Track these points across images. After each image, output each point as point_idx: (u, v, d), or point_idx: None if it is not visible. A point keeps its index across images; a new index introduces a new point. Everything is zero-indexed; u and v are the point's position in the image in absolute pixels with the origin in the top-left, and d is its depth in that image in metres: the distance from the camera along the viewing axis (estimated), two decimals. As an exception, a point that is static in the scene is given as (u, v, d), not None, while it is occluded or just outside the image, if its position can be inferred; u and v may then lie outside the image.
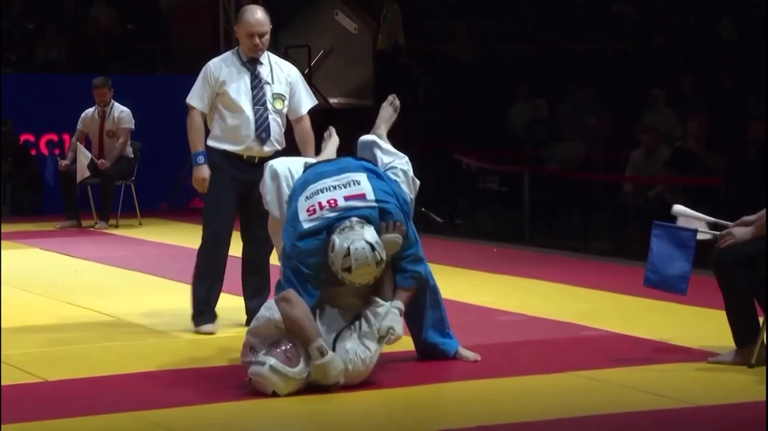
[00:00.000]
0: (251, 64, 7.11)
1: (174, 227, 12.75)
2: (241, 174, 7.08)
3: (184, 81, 16.07)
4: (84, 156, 12.51)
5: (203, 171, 7.09)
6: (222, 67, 7.09)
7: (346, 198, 5.88)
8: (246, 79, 7.07)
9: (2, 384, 5.80)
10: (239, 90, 7.05)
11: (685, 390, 5.78)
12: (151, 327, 7.42)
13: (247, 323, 7.10)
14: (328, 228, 5.80)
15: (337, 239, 5.70)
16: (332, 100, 18.23)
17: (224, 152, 7.08)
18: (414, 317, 6.22)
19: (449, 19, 17.97)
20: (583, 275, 9.38)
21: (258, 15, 7.13)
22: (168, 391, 5.83)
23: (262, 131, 7.06)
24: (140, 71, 15.52)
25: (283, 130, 7.18)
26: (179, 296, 8.54)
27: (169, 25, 17.01)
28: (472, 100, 16.16)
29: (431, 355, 6.27)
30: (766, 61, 12.53)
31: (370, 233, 5.72)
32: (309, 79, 18.12)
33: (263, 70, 7.12)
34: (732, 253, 6.09)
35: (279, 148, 7.13)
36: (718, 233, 6.22)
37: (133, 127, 12.75)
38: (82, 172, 12.44)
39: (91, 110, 12.80)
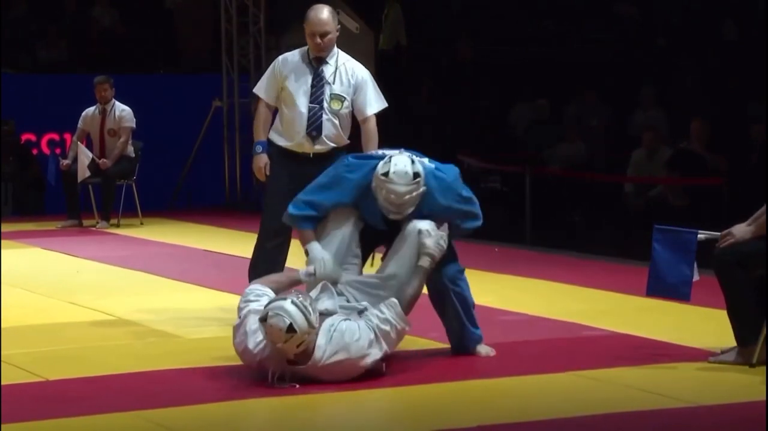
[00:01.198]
0: (316, 62, 7.16)
1: (176, 227, 12.76)
2: (297, 167, 7.11)
3: (185, 81, 16.17)
4: (85, 156, 12.51)
5: (261, 160, 7.20)
6: (288, 63, 7.17)
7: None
8: (308, 76, 7.13)
9: (3, 383, 5.80)
10: (299, 87, 7.11)
11: (686, 389, 5.78)
12: (152, 326, 7.42)
13: None
14: (382, 157, 6.19)
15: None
16: (334, 100, 18.23)
17: (280, 149, 7.17)
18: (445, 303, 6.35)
19: (451, 20, 17.97)
20: (584, 275, 9.38)
21: (321, 14, 7.14)
22: (170, 391, 5.83)
23: (314, 129, 7.11)
24: (141, 71, 15.52)
25: (344, 129, 7.21)
26: (181, 296, 8.56)
27: (171, 25, 17.01)
28: (474, 101, 16.16)
29: (458, 340, 6.38)
30: (767, 62, 12.52)
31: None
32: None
33: (327, 70, 7.17)
34: (732, 252, 6.09)
35: (333, 145, 7.13)
36: (718, 233, 6.21)
37: (134, 126, 12.74)
38: (83, 171, 12.43)
39: (92, 108, 12.80)
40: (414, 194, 6.04)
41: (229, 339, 7.04)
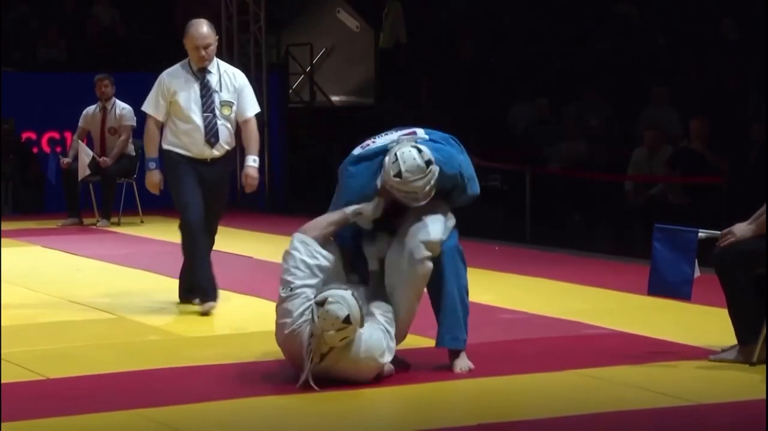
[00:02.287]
0: (200, 73, 7.63)
1: (175, 225, 12.68)
2: (199, 168, 7.63)
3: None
4: (86, 154, 12.50)
5: (155, 176, 7.73)
6: (173, 78, 7.63)
7: (401, 136, 6.15)
8: (195, 88, 7.61)
9: (3, 381, 5.80)
10: (189, 99, 7.59)
11: (686, 388, 5.78)
12: (153, 324, 7.42)
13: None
14: (382, 152, 5.99)
15: (387, 155, 5.91)
16: (334, 99, 18.24)
17: (179, 154, 7.62)
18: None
19: (452, 18, 17.97)
20: (584, 273, 9.38)
21: (202, 29, 7.67)
22: (171, 389, 5.83)
23: (212, 137, 7.62)
24: (142, 69, 15.50)
25: (233, 132, 7.73)
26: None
27: (170, 24, 17.01)
28: (474, 99, 16.15)
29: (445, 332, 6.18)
30: (767, 62, 12.51)
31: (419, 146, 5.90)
32: (311, 77, 18.16)
33: (212, 79, 7.65)
34: (733, 251, 6.09)
35: (228, 149, 7.72)
36: (719, 232, 6.21)
37: (134, 124, 12.74)
38: (84, 170, 12.43)
39: (92, 107, 12.79)
40: (432, 181, 5.89)
41: (230, 338, 7.07)
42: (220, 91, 7.62)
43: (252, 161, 7.73)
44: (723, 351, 6.27)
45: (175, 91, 7.58)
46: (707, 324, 7.16)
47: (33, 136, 14.78)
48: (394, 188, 5.86)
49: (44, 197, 14.28)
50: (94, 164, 12.54)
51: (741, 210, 6.42)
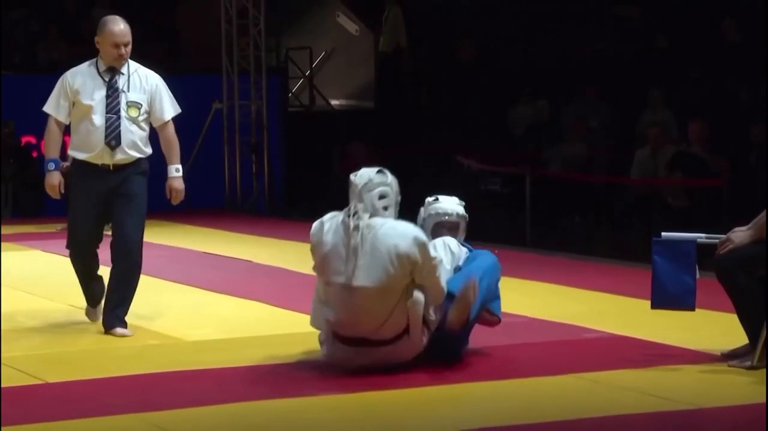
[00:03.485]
0: (108, 73, 7.27)
1: (175, 229, 12.74)
2: (99, 182, 7.19)
3: (185, 82, 16.15)
4: (85, 158, 12.46)
5: (54, 178, 7.23)
6: (77, 77, 7.24)
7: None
8: (102, 88, 7.21)
9: (2, 385, 5.79)
10: (92, 99, 7.18)
11: (686, 391, 5.77)
12: (152, 328, 7.41)
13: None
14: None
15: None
16: (334, 102, 18.24)
17: (81, 163, 7.22)
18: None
19: (451, 21, 17.97)
20: (584, 277, 9.37)
21: (122, 25, 7.35)
22: (170, 393, 5.83)
23: (112, 139, 7.17)
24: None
25: (144, 138, 7.33)
26: (180, 298, 8.55)
27: (171, 27, 17.02)
28: (474, 102, 16.15)
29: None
30: (766, 63, 12.51)
31: None
32: (310, 80, 18.16)
33: (120, 79, 7.27)
34: (732, 258, 6.09)
35: (136, 155, 7.25)
36: (717, 238, 6.21)
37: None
38: (84, 173, 12.39)
39: (92, 111, 12.76)
40: (462, 211, 6.60)
41: (230, 341, 7.06)
42: (128, 91, 7.21)
43: (174, 171, 7.43)
44: (734, 354, 6.25)
45: (78, 91, 7.18)
46: (707, 327, 7.15)
47: (33, 139, 14.76)
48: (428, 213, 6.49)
49: (44, 200, 14.24)
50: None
51: (741, 212, 6.42)
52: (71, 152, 7.29)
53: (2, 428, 5.14)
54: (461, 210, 6.65)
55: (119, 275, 7.22)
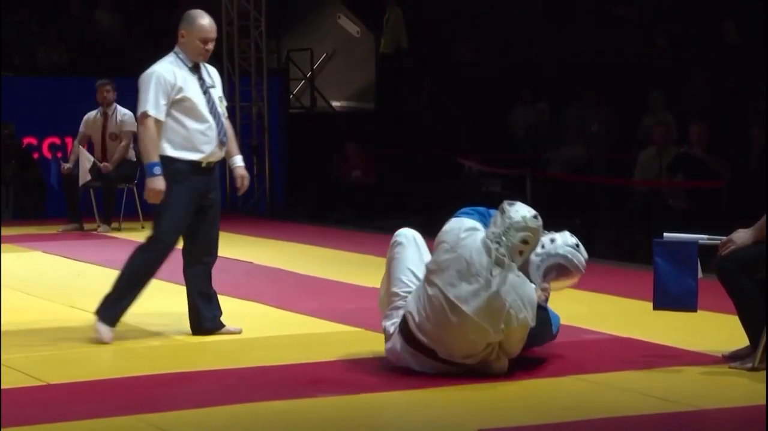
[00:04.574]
0: (195, 68, 7.02)
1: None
2: (201, 185, 7.00)
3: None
4: (86, 159, 12.50)
5: (160, 183, 6.85)
6: (173, 73, 6.90)
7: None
8: (196, 84, 6.97)
9: (3, 387, 5.79)
10: (197, 96, 6.93)
11: (687, 393, 5.77)
12: (152, 329, 7.41)
13: (196, 329, 7.13)
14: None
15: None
16: (335, 104, 18.25)
17: (184, 162, 6.92)
18: None
19: (452, 23, 17.98)
20: (585, 278, 9.31)
21: (211, 21, 7.07)
22: (171, 394, 5.83)
23: (223, 136, 7.03)
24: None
25: None
26: (181, 299, 8.53)
27: (173, 28, 17.04)
28: (474, 104, 16.16)
29: None
30: (767, 64, 12.51)
31: None
32: (311, 82, 18.16)
33: (204, 74, 7.05)
34: (733, 259, 6.09)
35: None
36: (719, 239, 6.21)
37: (135, 130, 12.70)
38: (85, 175, 12.43)
39: (93, 112, 12.80)
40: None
41: (231, 342, 7.05)
42: (214, 86, 7.03)
43: (241, 161, 7.24)
44: (737, 356, 6.24)
45: (180, 87, 6.84)
46: (708, 329, 7.15)
47: (34, 141, 14.78)
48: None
49: (45, 202, 14.28)
50: (95, 170, 12.54)
51: (742, 214, 6.42)
52: (176, 154, 6.87)
53: (2, 429, 5.14)
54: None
55: (207, 275, 7.15)
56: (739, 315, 6.20)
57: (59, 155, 14.39)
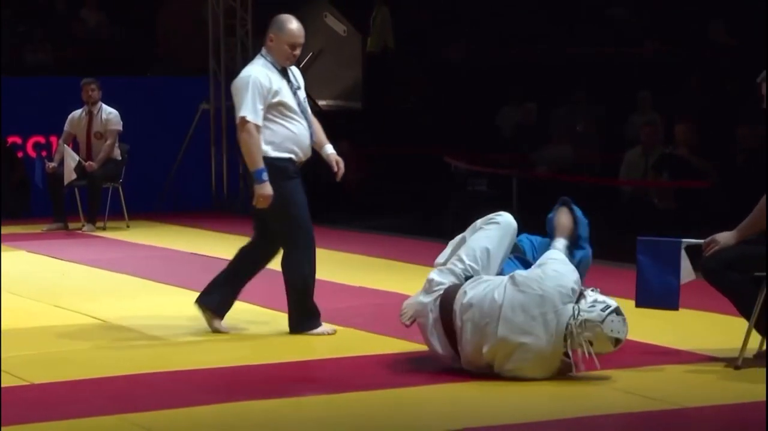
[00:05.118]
0: (284, 72, 7.11)
1: (162, 230, 12.73)
2: (299, 179, 7.14)
3: (172, 83, 16.08)
4: (71, 158, 12.47)
5: (268, 188, 6.93)
6: (268, 77, 6.98)
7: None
8: (287, 87, 7.07)
9: (-13, 386, 5.77)
10: (290, 98, 7.05)
11: (674, 391, 5.78)
12: (138, 329, 7.39)
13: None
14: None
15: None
16: (321, 103, 18.23)
17: (286, 160, 7.03)
18: None
19: (439, 22, 17.97)
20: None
21: (299, 26, 7.17)
22: (156, 394, 5.81)
23: (314, 135, 7.16)
24: (129, 74, 15.49)
25: None
26: (167, 299, 8.53)
27: (157, 29, 17.00)
28: (461, 103, 16.16)
29: None
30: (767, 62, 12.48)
31: None
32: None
33: (291, 77, 7.16)
34: (718, 259, 6.10)
35: None
36: (701, 240, 6.22)
37: (121, 128, 12.71)
38: (70, 174, 12.39)
39: (78, 111, 12.76)
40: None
41: (216, 342, 7.04)
42: (300, 88, 7.15)
43: (332, 148, 7.29)
44: (757, 356, 6.25)
45: (276, 91, 6.94)
46: (695, 327, 7.16)
47: (19, 140, 14.72)
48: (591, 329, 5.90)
49: (30, 201, 14.22)
50: (80, 169, 12.50)
51: (728, 214, 6.42)
52: (279, 154, 6.96)
53: (-14, 429, 5.12)
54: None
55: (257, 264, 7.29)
56: (740, 310, 6.19)
57: (44, 154, 14.32)
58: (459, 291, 6.01)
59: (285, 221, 7.10)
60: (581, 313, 5.84)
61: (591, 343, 5.84)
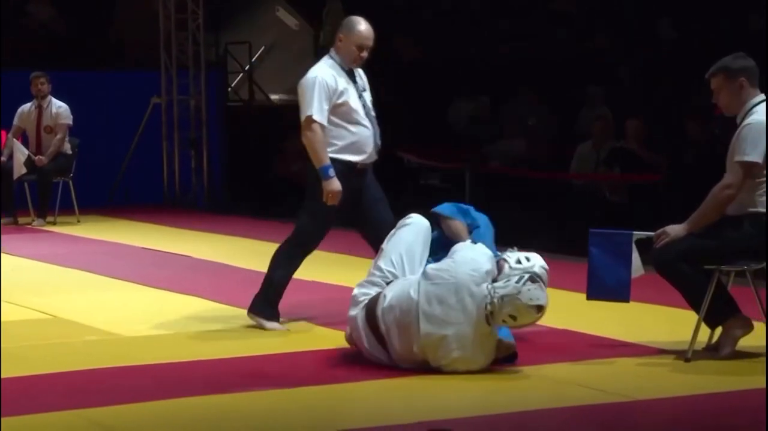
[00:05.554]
0: (350, 73, 7.07)
1: (113, 225, 12.66)
2: (355, 180, 7.05)
3: (123, 77, 15.98)
4: (21, 152, 12.37)
5: (337, 184, 6.88)
6: (334, 78, 6.95)
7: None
8: (354, 89, 7.04)
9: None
10: (355, 101, 7.01)
11: (625, 384, 5.82)
12: (90, 324, 7.35)
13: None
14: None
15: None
16: (273, 97, 18.19)
17: (341, 162, 6.96)
18: None
19: (392, 16, 17.98)
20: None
21: (369, 27, 7.10)
22: (108, 389, 5.78)
23: (378, 139, 7.13)
24: (79, 68, 15.38)
25: None
26: (119, 294, 8.49)
27: (109, 22, 16.88)
28: (414, 97, 16.17)
29: None
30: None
31: None
32: (250, 75, 18.10)
33: (358, 79, 7.12)
34: (669, 251, 6.15)
35: None
36: (652, 233, 6.27)
37: (71, 122, 12.63)
38: (19, 168, 12.30)
39: (28, 105, 12.67)
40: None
41: (169, 337, 7.01)
42: (366, 90, 7.10)
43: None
44: (709, 348, 6.30)
45: (342, 92, 6.92)
46: (645, 320, 7.22)
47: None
48: (514, 303, 5.91)
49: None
50: (29, 163, 12.41)
51: (678, 208, 6.48)
52: (336, 156, 6.91)
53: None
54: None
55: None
56: (690, 303, 6.25)
57: (-7, 148, 14.20)
58: (380, 296, 6.07)
59: (308, 215, 7.11)
60: (496, 291, 5.89)
61: (514, 317, 5.91)
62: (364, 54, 7.03)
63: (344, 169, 6.96)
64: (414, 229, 6.37)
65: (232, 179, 15.67)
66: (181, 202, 14.67)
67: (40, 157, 12.52)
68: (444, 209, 6.60)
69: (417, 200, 14.06)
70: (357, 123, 7.00)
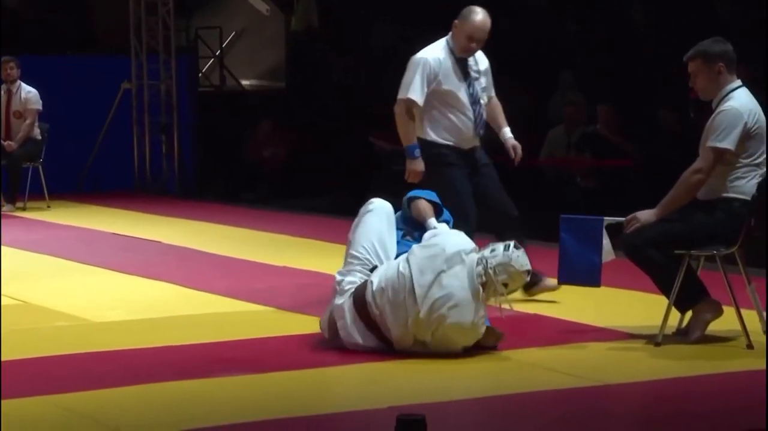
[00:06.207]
0: (462, 60, 7.14)
1: (83, 210, 12.59)
2: (464, 162, 7.23)
3: (93, 62, 15.87)
4: (-11, 138, 12.28)
5: (420, 164, 7.11)
6: (440, 63, 7.07)
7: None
8: (461, 75, 7.12)
9: None
10: (459, 88, 7.10)
11: (595, 368, 5.84)
12: (60, 310, 7.31)
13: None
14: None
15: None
16: (244, 83, 18.14)
17: (446, 146, 7.17)
18: None
19: (365, 2, 17.93)
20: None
21: (488, 20, 7.14)
22: (78, 375, 5.76)
23: (480, 128, 7.23)
24: (48, 52, 15.28)
25: None
26: (89, 280, 8.45)
27: (80, 7, 16.77)
28: (386, 84, 16.14)
29: None
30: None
31: None
32: (221, 60, 18.04)
33: (471, 65, 7.18)
34: (639, 237, 6.16)
35: None
36: (623, 218, 6.28)
37: (40, 108, 12.55)
38: (-12, 153, 12.21)
39: (-4, 90, 12.58)
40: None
41: (139, 323, 6.99)
42: (479, 78, 7.20)
43: (510, 132, 7.46)
44: (681, 332, 6.33)
45: (444, 78, 7.07)
46: (616, 305, 7.25)
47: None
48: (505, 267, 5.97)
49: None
50: (-2, 148, 12.32)
51: (649, 193, 6.49)
52: (435, 139, 7.13)
53: None
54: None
55: (522, 228, 7.33)
56: (660, 287, 6.27)
57: (-38, 133, 14.09)
58: (367, 284, 6.06)
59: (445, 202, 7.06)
60: (488, 260, 5.96)
61: (506, 285, 6.00)
62: (474, 45, 7.10)
63: (449, 152, 7.14)
64: (377, 213, 6.37)
65: (203, 164, 15.61)
66: (151, 187, 14.61)
67: (10, 142, 12.44)
68: (420, 193, 6.60)
69: (388, 186, 14.10)
70: (457, 111, 7.13)
